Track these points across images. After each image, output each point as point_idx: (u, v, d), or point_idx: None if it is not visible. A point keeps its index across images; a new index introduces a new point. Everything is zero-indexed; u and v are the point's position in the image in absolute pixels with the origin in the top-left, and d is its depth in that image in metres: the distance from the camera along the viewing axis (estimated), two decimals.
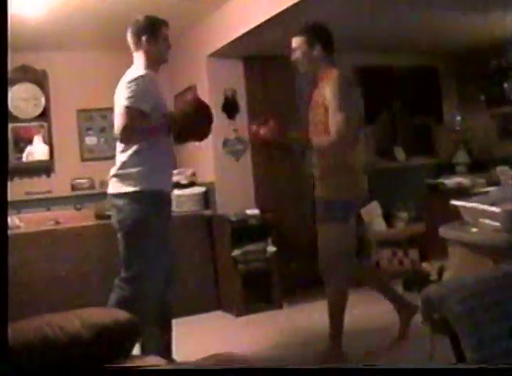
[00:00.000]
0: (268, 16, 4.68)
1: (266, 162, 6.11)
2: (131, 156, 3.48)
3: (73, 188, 6.18)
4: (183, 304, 5.00)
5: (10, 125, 5.94)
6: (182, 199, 5.80)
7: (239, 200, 5.90)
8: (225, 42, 5.46)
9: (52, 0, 4.70)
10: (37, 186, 6.08)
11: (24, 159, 6.08)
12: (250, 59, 6.02)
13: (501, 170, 5.95)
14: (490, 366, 1.81)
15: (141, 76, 3.44)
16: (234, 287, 5.50)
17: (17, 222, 5.43)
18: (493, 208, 3.18)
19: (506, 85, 6.88)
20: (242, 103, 6.06)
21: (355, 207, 4.06)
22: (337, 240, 3.83)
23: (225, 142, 5.95)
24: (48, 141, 6.16)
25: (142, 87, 3.41)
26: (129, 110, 3.36)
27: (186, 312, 5.23)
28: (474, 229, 3.29)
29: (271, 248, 5.57)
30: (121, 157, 3.53)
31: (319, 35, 3.89)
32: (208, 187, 5.95)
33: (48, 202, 6.04)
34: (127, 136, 3.41)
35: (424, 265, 5.82)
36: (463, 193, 5.42)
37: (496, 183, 5.71)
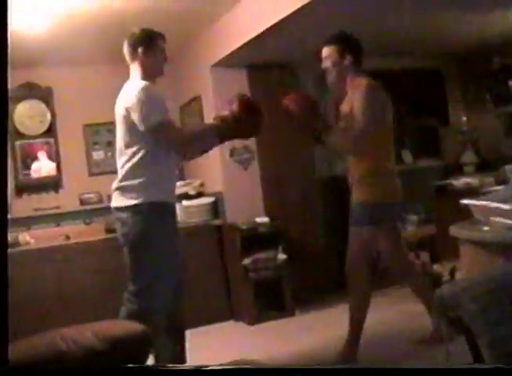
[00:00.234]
0: (269, 24, 4.69)
1: (274, 170, 6.10)
2: (132, 168, 3.47)
3: (82, 203, 6.18)
4: (195, 314, 5.00)
5: (17, 142, 5.98)
6: (191, 209, 5.81)
7: (248, 208, 5.89)
8: (228, 52, 5.46)
9: (55, 16, 4.71)
10: (45, 201, 6.08)
11: (32, 175, 6.09)
12: (253, 67, 6.02)
13: (509, 168, 5.91)
14: (507, 367, 1.79)
15: (146, 88, 3.43)
16: (246, 296, 5.49)
17: (27, 238, 5.45)
18: (505, 206, 3.16)
19: (511, 83, 6.86)
20: None
21: (391, 211, 4.03)
22: (368, 243, 3.84)
23: (233, 152, 5.95)
24: (56, 157, 6.17)
25: (155, 98, 3.43)
26: (163, 124, 3.41)
27: (199, 322, 5.23)
28: (486, 228, 3.27)
29: (281, 256, 5.56)
30: (123, 169, 3.52)
31: (349, 45, 3.92)
32: (217, 197, 5.95)
33: (57, 217, 6.03)
34: (181, 147, 3.52)
35: (436, 266, 5.79)
36: (471, 193, 5.39)
37: (505, 182, 5.67)
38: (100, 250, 5.25)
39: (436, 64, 7.46)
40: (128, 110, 3.43)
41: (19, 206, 5.89)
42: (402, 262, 4.14)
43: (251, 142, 5.97)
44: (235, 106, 3.60)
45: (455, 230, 3.45)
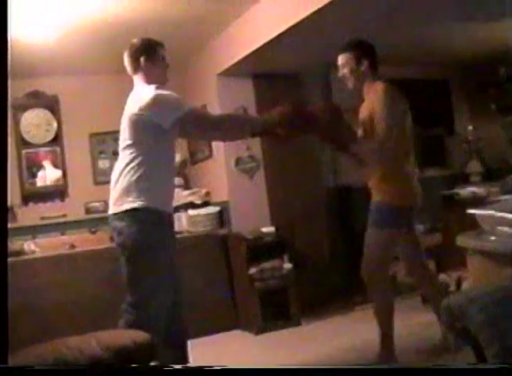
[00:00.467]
0: (275, 34, 4.70)
1: (280, 179, 6.09)
2: (128, 174, 3.42)
3: (88, 211, 6.18)
4: (201, 324, 4.98)
5: (23, 151, 6.00)
6: (197, 219, 5.80)
7: (254, 218, 5.89)
8: (233, 61, 5.48)
9: (62, 26, 4.74)
10: (51, 210, 6.08)
11: (38, 184, 6.10)
12: (259, 76, 6.02)
13: None
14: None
15: (159, 88, 3.40)
16: (252, 306, 5.47)
17: (33, 247, 5.45)
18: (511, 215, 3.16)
19: None
20: None
21: (409, 214, 4.00)
22: (386, 245, 3.84)
23: (238, 161, 5.95)
24: (62, 165, 6.18)
25: (172, 94, 3.42)
26: (193, 110, 3.46)
27: (205, 331, 5.21)
28: (493, 237, 3.26)
29: (287, 265, 5.54)
30: (119, 176, 3.48)
31: (365, 51, 3.92)
32: (223, 206, 5.94)
33: (63, 226, 6.03)
34: (213, 132, 3.59)
35: (442, 276, 5.76)
36: (478, 202, 5.38)
37: (510, 191, 5.66)
38: (106, 258, 5.23)
39: (443, 74, 7.45)
40: (142, 110, 3.34)
41: (24, 214, 5.90)
42: (420, 269, 4.13)
43: (257, 151, 5.98)
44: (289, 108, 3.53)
45: (462, 240, 3.45)
